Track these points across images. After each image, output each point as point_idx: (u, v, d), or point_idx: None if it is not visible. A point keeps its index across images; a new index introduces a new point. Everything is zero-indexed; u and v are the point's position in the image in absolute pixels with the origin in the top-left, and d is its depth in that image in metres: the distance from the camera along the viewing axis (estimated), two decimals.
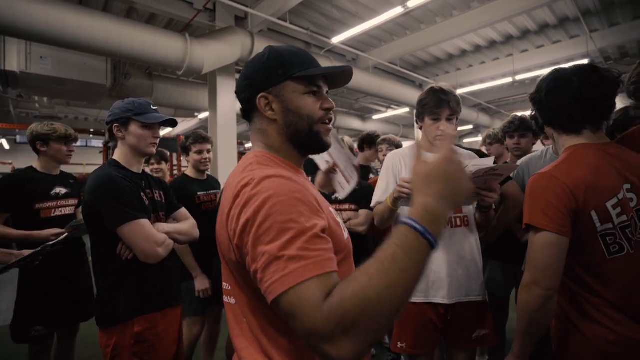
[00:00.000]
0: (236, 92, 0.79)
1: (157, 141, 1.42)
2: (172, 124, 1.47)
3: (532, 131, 2.11)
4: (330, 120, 0.78)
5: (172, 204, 1.55)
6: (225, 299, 0.78)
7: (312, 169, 2.56)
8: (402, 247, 0.52)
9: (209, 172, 2.42)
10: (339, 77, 0.81)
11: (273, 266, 0.53)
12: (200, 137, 2.22)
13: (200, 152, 2.21)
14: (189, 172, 2.30)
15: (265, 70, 0.73)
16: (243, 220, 0.58)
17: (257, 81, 0.73)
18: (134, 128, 1.35)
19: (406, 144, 2.47)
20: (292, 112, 0.73)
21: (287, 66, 0.72)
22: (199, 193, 2.17)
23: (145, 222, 1.25)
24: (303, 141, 0.75)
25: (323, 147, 0.78)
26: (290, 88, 0.73)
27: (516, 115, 2.16)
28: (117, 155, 1.38)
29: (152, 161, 2.67)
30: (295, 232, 0.54)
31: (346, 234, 0.73)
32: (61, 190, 2.03)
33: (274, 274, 0.52)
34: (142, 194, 1.34)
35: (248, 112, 0.77)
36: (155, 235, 1.26)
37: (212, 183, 2.35)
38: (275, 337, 0.64)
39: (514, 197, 1.68)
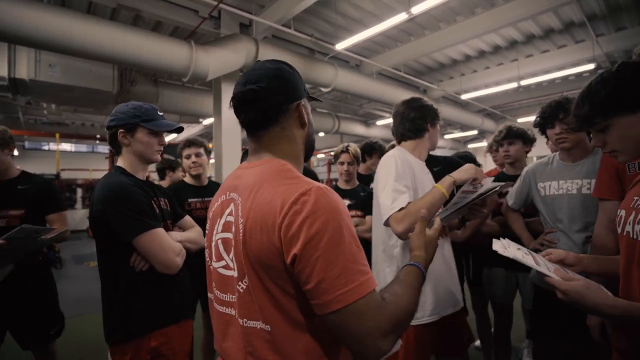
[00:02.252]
0: (262, 93, 0.74)
1: (162, 148, 1.38)
2: (179, 131, 1.44)
3: (522, 138, 2.10)
4: None
5: (177, 212, 1.50)
6: (223, 309, 0.75)
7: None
8: (418, 280, 0.75)
9: (214, 179, 2.41)
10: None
11: (344, 278, 0.61)
12: (187, 142, 2.20)
13: (188, 157, 2.18)
14: (187, 178, 2.30)
15: (298, 83, 0.81)
16: (312, 231, 0.62)
17: (295, 90, 0.79)
18: (140, 135, 1.28)
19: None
20: (311, 124, 0.85)
21: (304, 85, 0.84)
22: (190, 200, 2.13)
23: (161, 231, 1.20)
24: (311, 150, 0.86)
25: (309, 159, 0.92)
26: (307, 103, 0.85)
27: (505, 125, 2.18)
28: (122, 162, 1.32)
29: None
30: (357, 247, 0.65)
31: None
32: None
33: (346, 284, 0.61)
34: (152, 201, 1.28)
35: (275, 116, 0.76)
36: (172, 244, 1.21)
37: (214, 189, 2.29)
38: (304, 340, 0.69)
39: None
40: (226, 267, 0.74)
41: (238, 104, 0.77)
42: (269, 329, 0.67)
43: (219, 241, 0.76)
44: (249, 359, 0.69)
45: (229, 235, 0.72)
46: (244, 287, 0.69)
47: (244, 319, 0.70)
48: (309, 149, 0.85)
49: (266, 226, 0.64)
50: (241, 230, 0.68)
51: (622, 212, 0.94)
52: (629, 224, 0.89)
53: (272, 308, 0.67)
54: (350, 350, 0.64)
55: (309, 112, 0.84)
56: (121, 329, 1.17)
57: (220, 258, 0.76)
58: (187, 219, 1.53)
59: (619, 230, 0.94)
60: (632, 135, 0.84)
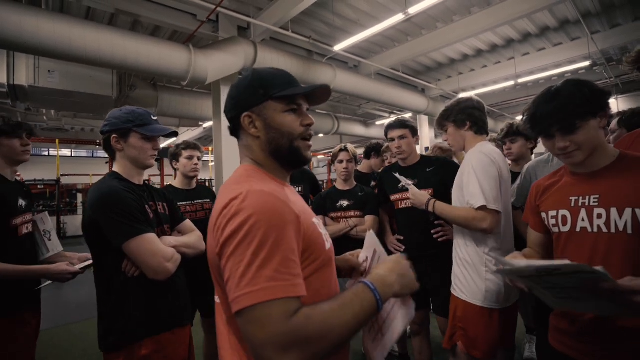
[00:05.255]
0: (225, 112, 0.84)
1: (156, 153, 1.35)
2: (174, 135, 1.41)
3: (523, 135, 2.12)
4: (310, 136, 0.84)
5: (176, 216, 1.47)
6: (216, 299, 0.83)
7: (301, 178, 2.57)
8: (360, 301, 0.66)
9: (214, 181, 2.42)
10: (320, 94, 0.86)
11: (246, 280, 0.59)
12: (192, 144, 2.23)
13: (190, 158, 2.18)
14: (176, 182, 2.25)
15: (249, 91, 0.80)
16: (229, 231, 0.63)
17: (242, 101, 0.80)
18: (134, 140, 1.27)
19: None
20: (273, 129, 0.79)
21: (267, 87, 0.79)
22: (180, 203, 2.09)
23: (152, 236, 1.17)
24: (285, 156, 0.81)
25: (303, 162, 0.84)
26: (271, 107, 0.79)
27: (507, 123, 2.21)
28: (117, 167, 1.30)
29: None
30: (273, 252, 0.61)
31: (328, 245, 0.79)
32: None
33: (245, 287, 0.59)
34: (146, 206, 1.25)
35: (235, 130, 0.84)
36: (163, 250, 1.18)
37: (202, 192, 2.28)
38: None
39: None
40: None
41: None
42: (229, 321, 0.74)
43: None
44: (227, 345, 0.76)
45: None
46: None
47: (224, 309, 0.78)
48: (280, 155, 0.80)
49: (211, 230, 0.71)
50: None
51: (565, 212, 1.07)
52: (583, 220, 1.03)
53: (226, 302, 0.72)
54: None
55: (268, 117, 0.78)
56: (112, 335, 1.15)
57: None
58: (187, 223, 1.51)
59: (566, 229, 1.07)
60: (593, 135, 1.00)
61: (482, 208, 1.41)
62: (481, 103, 1.61)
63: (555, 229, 1.11)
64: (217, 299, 0.83)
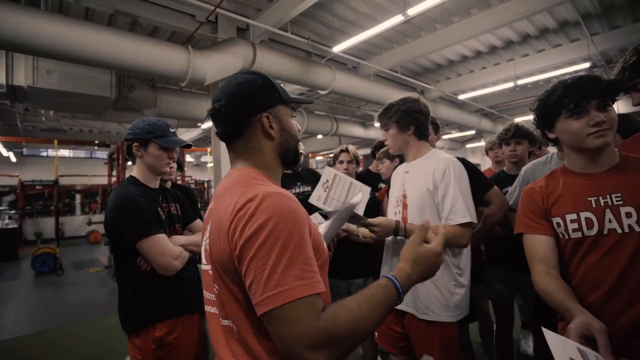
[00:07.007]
0: (222, 110, 0.79)
1: (171, 162, 1.53)
2: (188, 147, 1.59)
3: (528, 138, 2.11)
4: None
5: (188, 215, 1.64)
6: (208, 308, 0.81)
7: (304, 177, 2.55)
8: (386, 296, 0.69)
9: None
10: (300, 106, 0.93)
11: (273, 280, 0.60)
12: None
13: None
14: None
15: (265, 93, 0.81)
16: (249, 233, 0.63)
17: (258, 101, 0.81)
18: (152, 149, 1.45)
19: None
20: (286, 132, 0.84)
21: (280, 92, 0.84)
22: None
23: (161, 237, 1.35)
24: (290, 157, 0.86)
25: (298, 163, 0.91)
26: (283, 111, 0.84)
27: (513, 123, 2.18)
28: (136, 172, 1.49)
29: None
30: (296, 251, 0.62)
31: (325, 244, 0.81)
32: None
33: (274, 288, 0.59)
34: (159, 209, 1.43)
35: (238, 130, 0.81)
36: (171, 249, 1.35)
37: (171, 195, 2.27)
38: (267, 340, 0.68)
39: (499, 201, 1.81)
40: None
41: (212, 121, 0.84)
42: (236, 328, 0.72)
43: (207, 244, 0.82)
44: (229, 353, 0.73)
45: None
46: (216, 288, 0.75)
47: (221, 318, 0.76)
48: (288, 156, 0.85)
49: (221, 232, 0.69)
50: (208, 237, 0.77)
51: (588, 214, 0.99)
52: (610, 221, 0.95)
53: (237, 309, 0.71)
54: None
55: (282, 119, 0.83)
56: (130, 321, 1.38)
57: (206, 260, 0.82)
58: (198, 222, 1.66)
59: (592, 232, 0.98)
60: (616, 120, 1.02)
61: (466, 224, 1.34)
62: (428, 107, 1.55)
63: (577, 234, 1.00)
64: (210, 309, 0.80)
